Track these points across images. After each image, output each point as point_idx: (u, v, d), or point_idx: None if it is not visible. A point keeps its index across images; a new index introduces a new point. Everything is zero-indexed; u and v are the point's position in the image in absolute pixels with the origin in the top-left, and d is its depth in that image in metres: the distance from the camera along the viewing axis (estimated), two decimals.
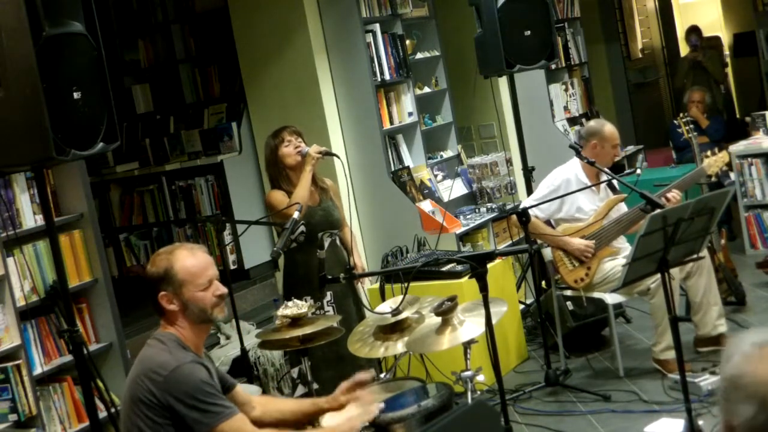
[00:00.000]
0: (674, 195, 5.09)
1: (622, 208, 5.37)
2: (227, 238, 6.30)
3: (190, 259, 3.07)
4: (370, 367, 4.85)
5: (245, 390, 3.49)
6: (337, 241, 4.89)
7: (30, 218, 4.43)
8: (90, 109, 3.45)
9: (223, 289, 3.12)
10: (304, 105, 6.45)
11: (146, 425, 2.94)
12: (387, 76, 6.59)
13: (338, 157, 5.04)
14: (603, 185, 5.34)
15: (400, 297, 3.89)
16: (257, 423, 3.15)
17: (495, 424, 3.07)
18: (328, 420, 3.28)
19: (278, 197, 4.84)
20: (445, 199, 6.70)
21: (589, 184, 5.26)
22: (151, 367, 2.97)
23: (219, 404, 2.96)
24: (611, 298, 5.19)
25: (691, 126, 5.99)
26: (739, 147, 7.12)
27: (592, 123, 5.55)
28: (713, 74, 9.97)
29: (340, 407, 3.28)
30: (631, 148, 8.59)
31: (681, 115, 6.24)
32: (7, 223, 4.28)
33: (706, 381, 4.59)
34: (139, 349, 3.16)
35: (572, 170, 5.36)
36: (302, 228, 4.28)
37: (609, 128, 5.37)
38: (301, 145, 4.88)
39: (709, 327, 5.16)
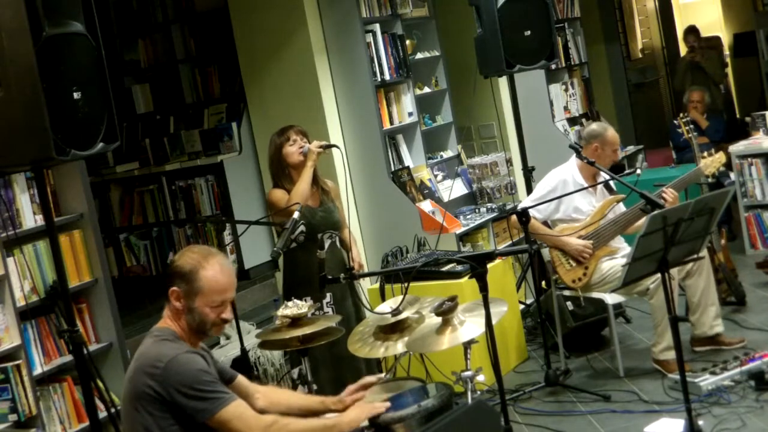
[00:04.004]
0: (670, 193, 5.10)
1: (620, 208, 5.37)
2: (227, 238, 6.30)
3: (218, 275, 3.06)
4: (367, 368, 4.85)
5: None
6: (337, 243, 4.89)
7: (30, 218, 4.42)
8: (90, 109, 3.46)
9: (230, 316, 3.13)
10: (304, 105, 6.44)
11: (147, 420, 2.94)
12: (387, 76, 6.59)
13: (338, 147, 5.04)
14: (600, 186, 5.35)
15: (400, 297, 3.88)
16: (262, 414, 3.14)
17: (495, 424, 3.08)
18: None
19: (279, 196, 4.84)
20: (445, 199, 6.70)
21: (586, 185, 5.27)
22: (148, 362, 2.98)
23: (218, 391, 2.97)
24: (611, 298, 5.19)
25: (691, 126, 5.97)
26: (739, 147, 7.12)
27: (595, 126, 5.53)
28: (712, 75, 9.95)
29: (345, 409, 3.28)
30: (631, 148, 8.59)
31: (681, 115, 6.22)
32: (7, 223, 4.27)
33: (706, 381, 4.59)
34: None
35: (569, 171, 5.36)
36: (302, 228, 4.28)
37: (611, 132, 5.38)
38: (305, 145, 4.89)
39: (706, 327, 5.17)
